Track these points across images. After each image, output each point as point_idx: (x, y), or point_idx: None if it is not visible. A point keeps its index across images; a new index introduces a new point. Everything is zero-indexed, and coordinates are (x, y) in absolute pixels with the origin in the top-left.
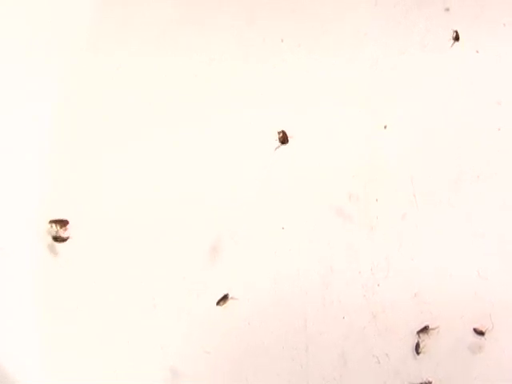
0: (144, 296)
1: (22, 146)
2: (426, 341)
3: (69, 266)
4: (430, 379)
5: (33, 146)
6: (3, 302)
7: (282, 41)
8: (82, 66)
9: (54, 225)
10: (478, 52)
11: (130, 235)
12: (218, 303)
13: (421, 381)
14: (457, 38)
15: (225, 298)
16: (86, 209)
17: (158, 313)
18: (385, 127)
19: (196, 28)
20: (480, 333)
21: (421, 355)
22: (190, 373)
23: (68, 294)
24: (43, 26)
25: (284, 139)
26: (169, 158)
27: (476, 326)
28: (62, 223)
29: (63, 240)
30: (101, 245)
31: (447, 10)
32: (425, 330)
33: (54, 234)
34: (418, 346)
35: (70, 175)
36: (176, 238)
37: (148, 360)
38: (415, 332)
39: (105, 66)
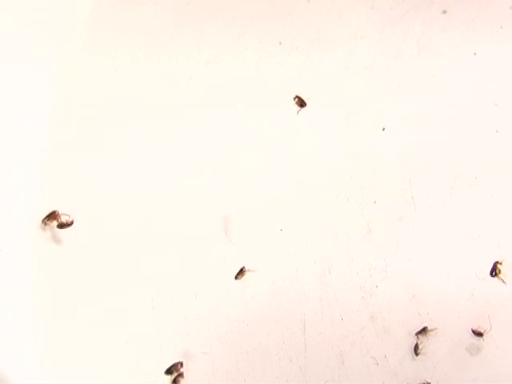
0: (143, 298)
1: (22, 146)
2: (425, 342)
3: (67, 266)
4: (429, 380)
5: (32, 146)
6: (1, 302)
7: (280, 43)
8: (80, 69)
9: (46, 221)
10: (475, 54)
11: (127, 237)
12: (236, 277)
13: (419, 382)
14: None
15: (242, 271)
16: (85, 208)
17: (157, 314)
18: (383, 129)
19: (193, 31)
20: (478, 334)
21: (419, 356)
22: (189, 374)
23: (66, 294)
24: (42, 29)
25: (302, 102)
26: (164, 160)
27: (474, 327)
28: (53, 215)
29: (68, 224)
30: (99, 246)
31: (444, 12)
32: (423, 331)
33: (53, 225)
34: (416, 347)
35: (69, 173)
36: (174, 240)
37: (147, 361)
38: (413, 333)
39: (103, 68)
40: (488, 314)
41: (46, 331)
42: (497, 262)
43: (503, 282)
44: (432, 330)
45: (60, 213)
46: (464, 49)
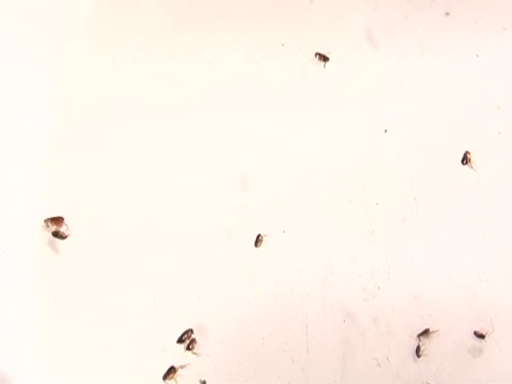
0: (145, 298)
1: (22, 146)
2: (427, 344)
3: (69, 266)
4: (431, 382)
5: (32, 147)
6: (2, 302)
7: (283, 45)
8: (80, 69)
9: (49, 223)
10: (477, 56)
11: (129, 238)
12: (255, 245)
13: (421, 383)
14: None
15: (258, 239)
16: (86, 208)
17: (159, 315)
18: (385, 131)
19: (194, 31)
20: (480, 336)
21: (421, 358)
22: (191, 375)
23: (68, 294)
24: (42, 29)
25: (324, 57)
26: (164, 160)
27: (476, 329)
28: (57, 220)
29: (63, 237)
30: (101, 246)
31: (447, 13)
32: (425, 333)
33: (52, 230)
34: (418, 349)
35: (69, 173)
36: (176, 241)
37: (148, 361)
38: (415, 335)
39: (103, 68)
40: (490, 316)
41: (46, 331)
42: (467, 152)
43: (473, 169)
44: (434, 332)
45: (64, 222)
46: (466, 50)
